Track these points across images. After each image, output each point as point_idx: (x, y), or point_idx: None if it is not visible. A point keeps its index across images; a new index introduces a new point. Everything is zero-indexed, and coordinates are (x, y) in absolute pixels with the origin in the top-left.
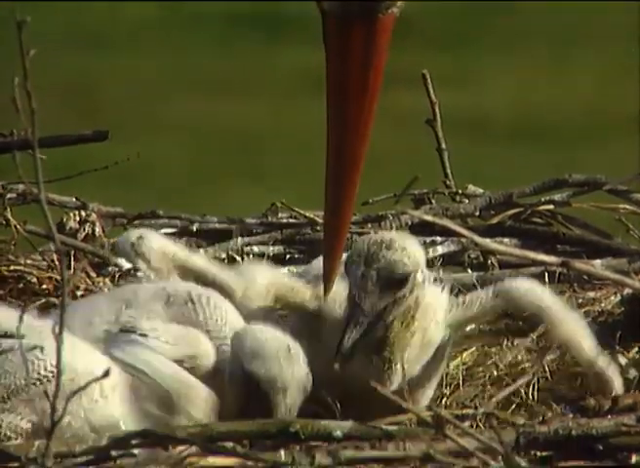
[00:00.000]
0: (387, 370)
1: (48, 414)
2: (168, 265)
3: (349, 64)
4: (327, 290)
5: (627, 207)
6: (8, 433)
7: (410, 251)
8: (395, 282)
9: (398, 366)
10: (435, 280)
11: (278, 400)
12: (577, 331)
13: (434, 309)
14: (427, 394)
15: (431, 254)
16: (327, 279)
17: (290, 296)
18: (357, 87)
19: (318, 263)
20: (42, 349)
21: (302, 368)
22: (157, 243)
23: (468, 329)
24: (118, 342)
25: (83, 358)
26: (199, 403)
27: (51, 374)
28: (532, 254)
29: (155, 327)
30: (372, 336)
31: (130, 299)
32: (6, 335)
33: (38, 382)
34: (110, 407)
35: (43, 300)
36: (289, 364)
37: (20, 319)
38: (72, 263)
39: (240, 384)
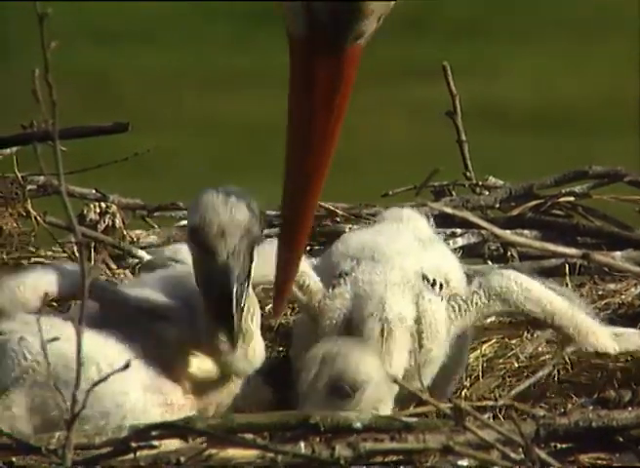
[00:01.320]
0: None
1: (43, 401)
2: None
3: (314, 93)
4: (278, 311)
5: None
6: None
7: (363, 362)
8: (341, 392)
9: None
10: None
11: (216, 242)
12: (582, 320)
13: (436, 328)
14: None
15: (451, 246)
16: (278, 298)
17: (299, 293)
18: (321, 118)
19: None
20: (20, 339)
21: (244, 208)
22: None
23: (488, 321)
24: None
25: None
26: None
27: (35, 363)
28: (552, 246)
29: None
30: None
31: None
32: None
33: (25, 374)
34: (112, 386)
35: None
36: (227, 207)
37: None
38: (92, 255)
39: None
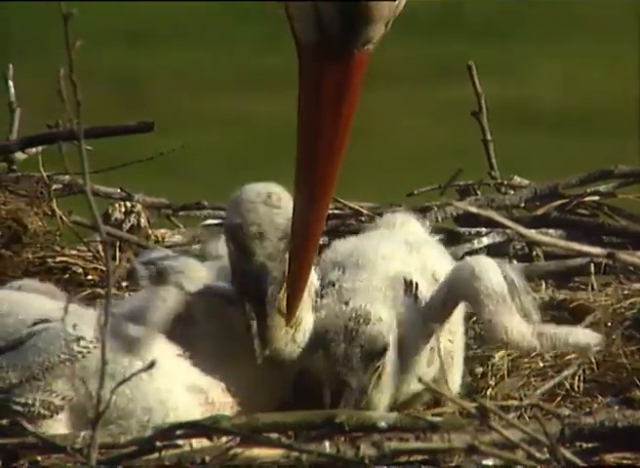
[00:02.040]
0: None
1: (86, 392)
2: None
3: (322, 97)
4: (290, 320)
5: None
6: (41, 410)
7: (384, 318)
8: (377, 354)
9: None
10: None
11: (254, 245)
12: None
13: (455, 328)
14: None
15: (476, 246)
16: (290, 311)
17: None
18: (329, 122)
19: None
20: (74, 326)
21: (284, 211)
22: None
23: None
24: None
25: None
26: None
27: (85, 350)
28: (577, 246)
29: None
30: (357, 406)
31: None
32: (40, 320)
33: (74, 358)
34: (156, 382)
35: (88, 291)
36: (267, 208)
37: (66, 305)
38: (117, 254)
39: (228, 246)
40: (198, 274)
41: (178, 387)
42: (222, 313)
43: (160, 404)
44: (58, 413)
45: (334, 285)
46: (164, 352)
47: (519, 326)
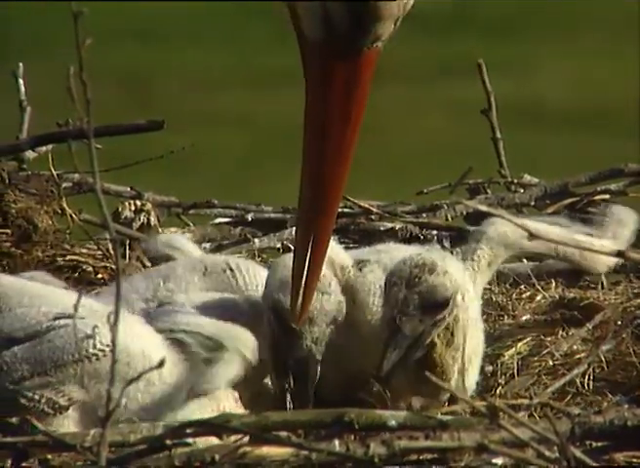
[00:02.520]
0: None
1: (97, 393)
2: None
3: (330, 96)
4: (302, 318)
5: None
6: (45, 408)
7: (451, 273)
8: (436, 306)
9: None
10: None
11: (303, 330)
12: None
13: (475, 322)
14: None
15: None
16: (302, 312)
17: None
18: (338, 122)
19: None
20: (94, 327)
21: (333, 297)
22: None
23: (524, 319)
24: (158, 315)
25: (139, 342)
26: (245, 338)
27: (101, 353)
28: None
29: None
30: (410, 359)
31: (167, 275)
32: (61, 315)
33: (87, 360)
34: (169, 390)
35: (98, 290)
36: (318, 295)
37: (78, 300)
38: (127, 252)
39: (268, 318)
40: None
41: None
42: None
43: (171, 411)
44: (61, 413)
45: (369, 261)
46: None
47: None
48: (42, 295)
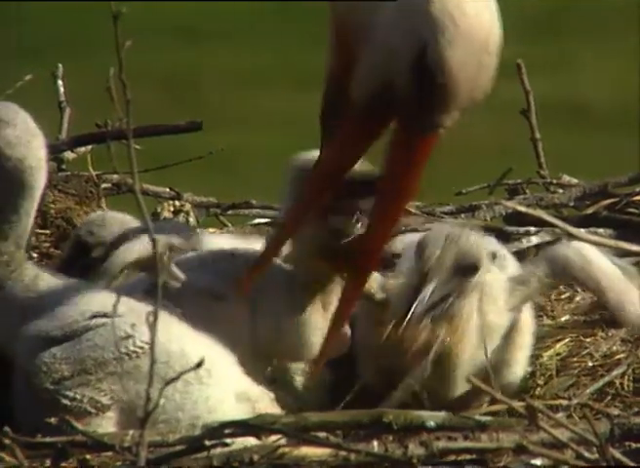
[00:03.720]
0: (449, 363)
1: (135, 393)
2: None
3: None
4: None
5: None
6: (88, 407)
7: (479, 243)
8: (466, 269)
9: (460, 358)
10: (495, 257)
11: None
12: (624, 293)
13: (495, 294)
14: (512, 378)
15: (525, 245)
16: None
17: None
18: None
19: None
20: (133, 325)
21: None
22: None
23: (563, 319)
24: None
25: (178, 341)
26: None
27: (140, 350)
28: (626, 245)
29: None
30: (436, 313)
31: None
32: (100, 314)
33: (127, 357)
34: (207, 391)
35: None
36: None
37: (117, 299)
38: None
39: None
40: None
41: (229, 397)
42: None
43: (208, 413)
44: (104, 412)
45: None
46: (219, 359)
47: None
48: (83, 294)
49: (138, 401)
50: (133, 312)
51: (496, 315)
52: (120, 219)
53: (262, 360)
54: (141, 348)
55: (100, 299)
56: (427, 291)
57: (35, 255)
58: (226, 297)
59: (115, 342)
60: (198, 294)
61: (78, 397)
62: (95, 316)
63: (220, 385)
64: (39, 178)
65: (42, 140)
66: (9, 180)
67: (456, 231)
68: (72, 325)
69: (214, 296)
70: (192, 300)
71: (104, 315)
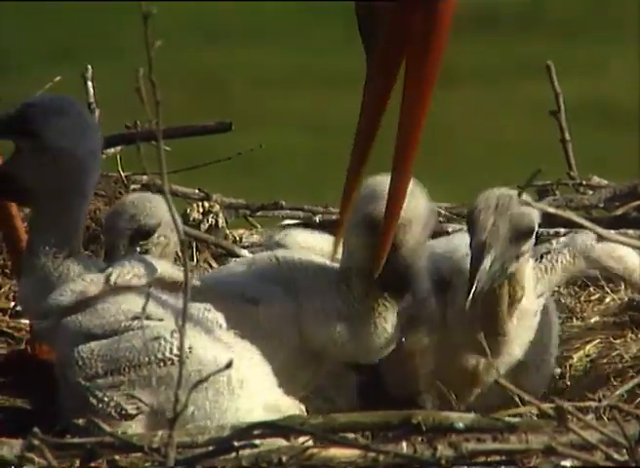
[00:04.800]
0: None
1: (166, 398)
2: None
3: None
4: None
5: None
6: (113, 412)
7: (533, 208)
8: (523, 234)
9: (508, 336)
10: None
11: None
12: None
13: (526, 280)
14: (544, 372)
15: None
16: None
17: None
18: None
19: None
20: (172, 332)
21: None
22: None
23: (592, 321)
24: None
25: (212, 350)
26: None
27: (176, 358)
28: None
29: None
30: (496, 281)
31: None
32: (141, 315)
33: (162, 363)
34: (237, 401)
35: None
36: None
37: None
38: (195, 254)
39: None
40: None
41: (257, 408)
42: None
43: (237, 423)
44: (126, 421)
45: None
46: (253, 369)
47: None
48: (126, 294)
49: (168, 407)
50: (173, 318)
51: (526, 302)
52: (158, 199)
53: (310, 362)
54: (177, 355)
55: (142, 301)
56: (487, 261)
57: None
58: (271, 303)
59: (152, 347)
60: (240, 300)
61: (106, 399)
62: (136, 317)
63: (250, 397)
64: (93, 168)
65: (97, 132)
66: (63, 170)
67: (505, 196)
68: (114, 324)
69: (255, 301)
70: (235, 306)
71: (147, 317)
